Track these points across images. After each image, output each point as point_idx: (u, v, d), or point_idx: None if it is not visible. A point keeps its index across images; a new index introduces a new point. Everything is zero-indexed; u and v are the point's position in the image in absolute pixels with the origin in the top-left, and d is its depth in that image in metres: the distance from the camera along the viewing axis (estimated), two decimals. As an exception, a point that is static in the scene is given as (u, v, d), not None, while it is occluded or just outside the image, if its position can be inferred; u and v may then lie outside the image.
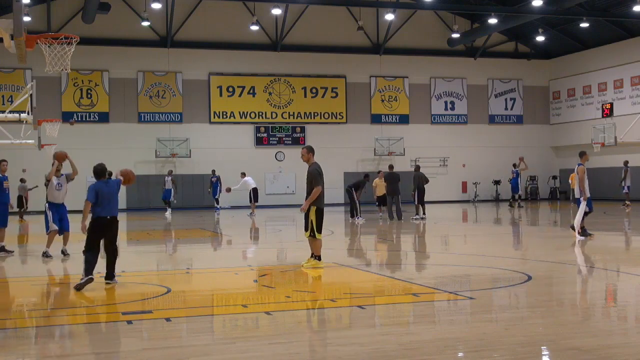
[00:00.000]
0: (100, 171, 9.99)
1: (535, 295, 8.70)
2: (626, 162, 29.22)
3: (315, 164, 11.28)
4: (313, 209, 11.19)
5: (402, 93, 37.61)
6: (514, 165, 31.69)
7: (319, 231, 11.25)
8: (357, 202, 23.16)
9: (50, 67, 10.88)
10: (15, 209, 26.20)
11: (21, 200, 27.42)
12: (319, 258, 11.35)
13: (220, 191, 30.94)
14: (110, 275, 9.59)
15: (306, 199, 11.30)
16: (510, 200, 31.49)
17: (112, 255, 9.66)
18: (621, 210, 26.55)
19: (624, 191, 29.22)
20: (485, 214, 27.75)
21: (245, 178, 28.29)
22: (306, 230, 11.34)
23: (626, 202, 28.95)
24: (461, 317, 7.52)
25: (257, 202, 28.05)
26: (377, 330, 7.04)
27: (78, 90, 33.34)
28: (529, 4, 30.32)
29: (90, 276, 9.30)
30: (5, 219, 14.12)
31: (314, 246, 11.37)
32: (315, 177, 11.15)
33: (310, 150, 11.36)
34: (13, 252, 14.35)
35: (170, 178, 29.91)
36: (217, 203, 31.35)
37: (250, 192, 27.89)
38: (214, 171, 31.38)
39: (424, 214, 23.56)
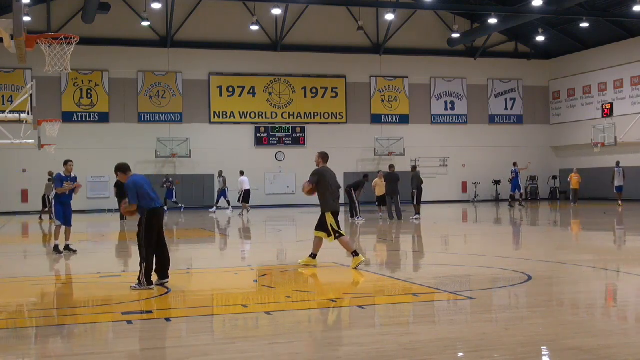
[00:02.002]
0: (124, 167, 9.71)
1: (535, 295, 8.70)
2: (618, 163, 29.62)
3: (323, 167, 11.59)
4: (329, 214, 11.38)
5: (402, 93, 37.58)
6: (514, 164, 31.65)
7: (337, 230, 11.42)
8: (356, 202, 23.20)
9: (50, 67, 10.87)
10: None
11: (43, 200, 26.64)
12: (314, 256, 11.47)
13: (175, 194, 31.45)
14: (165, 274, 9.56)
15: (320, 201, 11.56)
16: (510, 200, 31.49)
17: (166, 253, 9.62)
18: (622, 210, 26.54)
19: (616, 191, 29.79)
20: (485, 214, 27.74)
21: (242, 178, 28.60)
22: (329, 236, 11.44)
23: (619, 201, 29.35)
24: (461, 317, 7.52)
25: (247, 203, 28.17)
26: (377, 330, 7.04)
27: (78, 90, 33.30)
28: (529, 4, 30.30)
29: (153, 285, 9.34)
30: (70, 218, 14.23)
31: (316, 245, 11.51)
32: (311, 175, 11.53)
33: (322, 156, 11.79)
34: (76, 251, 14.13)
35: (222, 178, 30.42)
36: (176, 204, 31.41)
37: (242, 192, 28.08)
38: (167, 176, 32.07)
39: (418, 213, 23.61)
